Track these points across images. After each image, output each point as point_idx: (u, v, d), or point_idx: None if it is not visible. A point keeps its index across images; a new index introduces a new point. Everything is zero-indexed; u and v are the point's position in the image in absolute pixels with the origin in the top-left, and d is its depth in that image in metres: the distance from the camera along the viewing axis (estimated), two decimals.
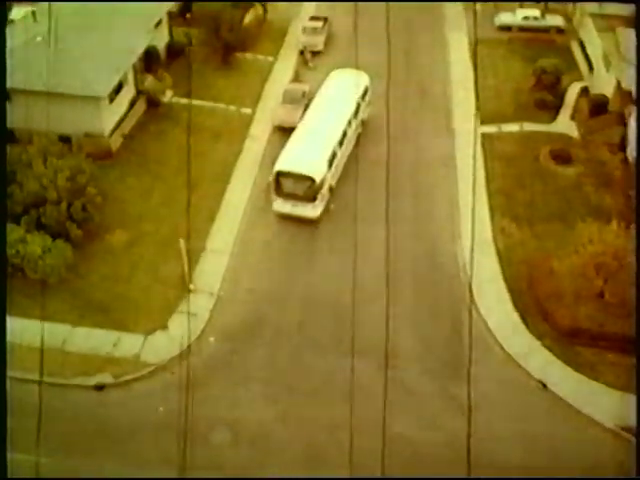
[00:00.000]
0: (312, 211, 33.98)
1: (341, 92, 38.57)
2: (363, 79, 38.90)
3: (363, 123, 39.29)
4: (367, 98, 39.26)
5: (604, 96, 40.17)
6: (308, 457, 25.20)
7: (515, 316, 29.69)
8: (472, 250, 30.37)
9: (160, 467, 24.18)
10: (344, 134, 36.23)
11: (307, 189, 33.40)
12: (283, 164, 33.99)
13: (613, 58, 40.16)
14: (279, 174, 33.80)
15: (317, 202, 33.75)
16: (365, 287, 29.38)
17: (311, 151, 34.63)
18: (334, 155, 34.96)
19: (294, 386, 27.40)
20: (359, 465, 23.09)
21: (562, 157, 37.65)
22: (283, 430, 25.99)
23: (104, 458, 25.01)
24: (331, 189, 35.01)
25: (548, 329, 28.97)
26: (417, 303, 30.47)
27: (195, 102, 41.05)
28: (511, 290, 30.71)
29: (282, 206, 34.36)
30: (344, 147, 36.20)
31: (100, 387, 27.29)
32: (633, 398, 23.36)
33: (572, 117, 41.07)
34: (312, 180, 33.23)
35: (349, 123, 36.89)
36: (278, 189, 34.08)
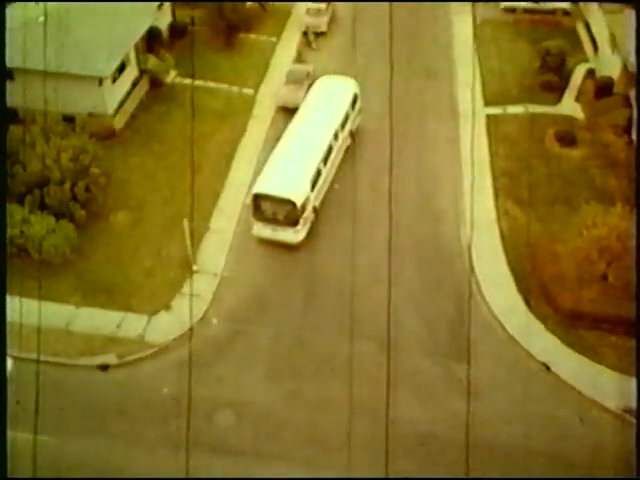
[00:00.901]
0: (294, 236, 31.44)
1: (327, 102, 36.25)
2: (352, 86, 36.89)
3: (352, 134, 36.49)
4: (357, 107, 36.74)
5: (610, 78, 39.85)
6: (310, 438, 25.28)
7: (518, 298, 29.63)
8: (472, 229, 30.53)
9: (164, 447, 24.33)
10: (329, 149, 33.72)
11: (288, 213, 30.94)
12: (262, 186, 31.60)
13: (618, 40, 39.80)
14: (257, 197, 31.51)
15: (299, 227, 31.32)
16: (368, 268, 29.49)
17: (292, 171, 32.01)
18: (318, 174, 32.52)
19: (297, 367, 27.50)
20: (362, 447, 23.31)
21: (567, 139, 37.40)
22: (286, 411, 26.09)
23: (108, 438, 25.12)
24: (315, 211, 32.57)
25: (551, 312, 28.93)
26: (420, 285, 30.45)
27: (198, 82, 40.77)
28: (514, 272, 30.61)
29: (262, 230, 31.88)
30: (329, 164, 33.75)
31: (104, 367, 27.39)
32: (635, 380, 23.39)
33: (577, 99, 40.72)
34: (293, 204, 30.89)
35: (335, 136, 34.40)
36: (257, 212, 31.65)
